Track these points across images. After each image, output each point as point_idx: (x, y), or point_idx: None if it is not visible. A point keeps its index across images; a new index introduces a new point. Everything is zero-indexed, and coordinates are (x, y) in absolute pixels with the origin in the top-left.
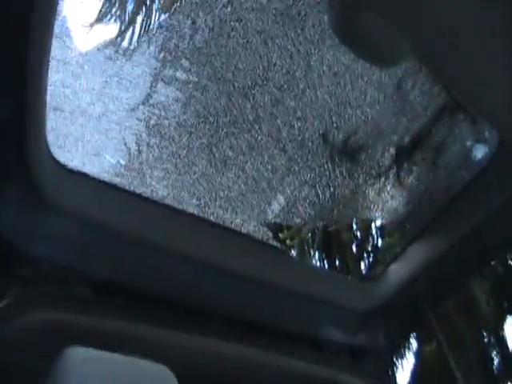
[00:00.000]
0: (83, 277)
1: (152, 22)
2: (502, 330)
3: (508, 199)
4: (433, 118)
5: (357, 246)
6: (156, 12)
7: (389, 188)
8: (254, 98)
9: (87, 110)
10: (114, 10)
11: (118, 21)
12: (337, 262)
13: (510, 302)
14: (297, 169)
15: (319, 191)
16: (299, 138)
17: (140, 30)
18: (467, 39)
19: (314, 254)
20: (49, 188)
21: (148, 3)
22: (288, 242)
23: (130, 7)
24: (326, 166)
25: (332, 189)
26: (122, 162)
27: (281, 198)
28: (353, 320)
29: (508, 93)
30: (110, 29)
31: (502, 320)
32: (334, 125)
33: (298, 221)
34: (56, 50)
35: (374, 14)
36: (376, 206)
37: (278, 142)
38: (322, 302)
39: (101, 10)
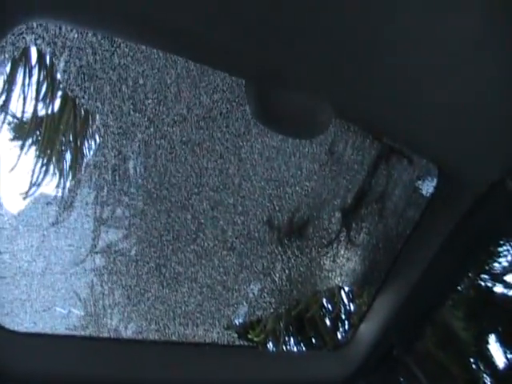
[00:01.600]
0: None
1: (82, 164)
2: (487, 350)
3: (458, 225)
4: (370, 170)
5: (329, 318)
6: (86, 152)
7: (343, 251)
8: (192, 207)
9: (29, 268)
10: (51, 170)
11: (54, 177)
12: (313, 340)
13: (488, 321)
14: (249, 262)
15: (275, 277)
16: (245, 232)
17: (71, 176)
18: (391, 84)
19: (289, 340)
20: (2, 358)
21: (79, 146)
22: (259, 338)
23: (67, 159)
24: (276, 251)
25: (287, 271)
26: (74, 310)
27: (239, 297)
28: None
29: (440, 126)
30: (44, 186)
31: (485, 340)
32: (277, 208)
33: (260, 313)
34: None
35: (290, 89)
36: (334, 273)
37: (225, 242)
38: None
39: (37, 176)
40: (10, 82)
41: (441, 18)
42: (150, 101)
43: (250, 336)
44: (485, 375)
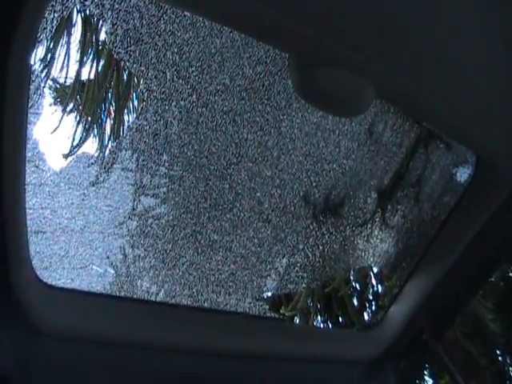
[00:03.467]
0: None
1: (124, 127)
2: None
3: (494, 214)
4: (408, 154)
5: (357, 298)
6: (128, 116)
7: (377, 232)
8: (230, 177)
9: (68, 225)
10: (94, 131)
11: (96, 139)
12: (340, 319)
13: None
14: (283, 236)
15: (309, 253)
16: (281, 206)
17: (113, 139)
18: (433, 68)
19: (316, 317)
20: (39, 312)
21: (120, 110)
22: (290, 314)
23: (109, 122)
24: (311, 227)
25: (321, 247)
26: (110, 270)
27: (271, 269)
28: (362, 371)
29: (483, 113)
30: (86, 146)
31: None
32: (314, 184)
33: (292, 287)
34: (30, 174)
35: (333, 67)
36: (367, 253)
37: (261, 214)
38: (329, 361)
39: (80, 136)
40: (56, 43)
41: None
42: (193, 68)
43: (281, 311)
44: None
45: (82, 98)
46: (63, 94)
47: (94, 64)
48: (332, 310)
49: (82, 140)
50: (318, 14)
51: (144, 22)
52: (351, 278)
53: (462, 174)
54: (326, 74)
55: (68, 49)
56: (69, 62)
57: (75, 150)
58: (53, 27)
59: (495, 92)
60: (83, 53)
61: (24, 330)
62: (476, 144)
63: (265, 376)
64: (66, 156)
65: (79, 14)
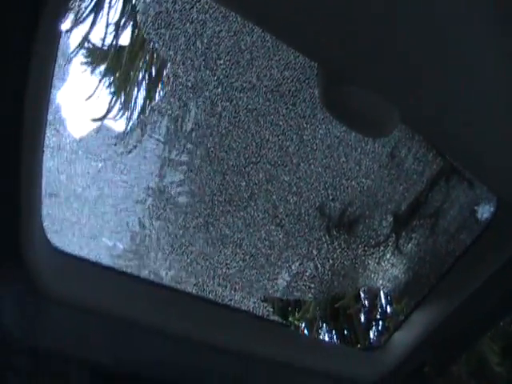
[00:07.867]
0: (83, 366)
1: (146, 106)
2: None
3: (509, 259)
4: (429, 184)
5: (365, 315)
6: (154, 96)
7: (388, 256)
8: (248, 175)
9: (82, 194)
10: (120, 104)
11: (120, 112)
12: (345, 333)
13: None
14: (295, 243)
15: (318, 264)
16: (296, 213)
17: (136, 116)
18: (461, 102)
19: (322, 326)
20: (46, 274)
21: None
22: (296, 322)
23: (136, 98)
24: (323, 239)
25: (331, 261)
26: (119, 245)
27: (280, 274)
28: None
29: (504, 153)
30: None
31: None
32: (330, 197)
33: (298, 295)
34: (50, 137)
35: (362, 86)
36: (377, 276)
37: (275, 218)
38: (326, 376)
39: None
40: (96, 11)
41: None
42: (221, 61)
43: (290, 319)
44: None
45: (114, 70)
46: (96, 60)
47: (130, 36)
48: (338, 323)
49: (108, 110)
50: (350, 31)
51: (176, 7)
52: (361, 295)
53: (482, 214)
54: (353, 91)
55: (108, 16)
56: (107, 30)
57: (99, 118)
58: None
59: None
60: (120, 23)
61: (28, 290)
62: (498, 185)
63: (259, 378)
64: (89, 121)
65: None
